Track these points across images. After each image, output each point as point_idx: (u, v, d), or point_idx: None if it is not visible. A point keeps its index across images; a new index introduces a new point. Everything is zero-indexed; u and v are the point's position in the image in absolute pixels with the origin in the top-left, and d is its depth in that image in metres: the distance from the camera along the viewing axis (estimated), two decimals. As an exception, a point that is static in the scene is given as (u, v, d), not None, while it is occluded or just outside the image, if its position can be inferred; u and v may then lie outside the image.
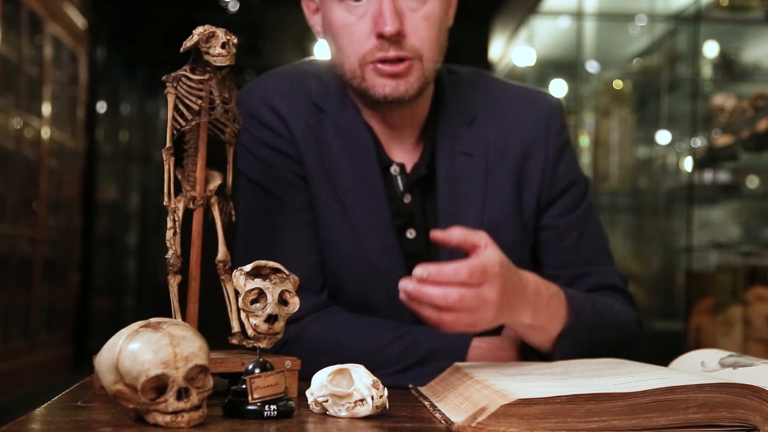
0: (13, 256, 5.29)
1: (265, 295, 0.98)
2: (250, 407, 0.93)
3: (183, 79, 1.15)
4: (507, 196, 1.43)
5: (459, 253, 1.39)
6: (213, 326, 1.18)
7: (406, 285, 1.13)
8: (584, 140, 5.17)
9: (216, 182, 1.18)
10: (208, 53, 1.10)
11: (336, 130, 1.42)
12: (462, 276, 1.11)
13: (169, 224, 1.13)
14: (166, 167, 1.14)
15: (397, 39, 1.32)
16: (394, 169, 1.43)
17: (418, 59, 1.34)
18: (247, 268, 0.99)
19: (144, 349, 0.85)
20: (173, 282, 1.14)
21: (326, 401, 0.96)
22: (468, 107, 1.47)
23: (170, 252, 1.13)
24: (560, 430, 0.88)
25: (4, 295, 5.11)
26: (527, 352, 1.32)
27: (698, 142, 4.37)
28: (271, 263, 1.00)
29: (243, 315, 0.98)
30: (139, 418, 0.89)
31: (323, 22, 1.41)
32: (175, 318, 1.12)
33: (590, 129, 5.18)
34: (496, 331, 1.34)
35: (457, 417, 0.95)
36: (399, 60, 1.33)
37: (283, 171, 1.40)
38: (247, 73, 7.04)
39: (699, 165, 4.28)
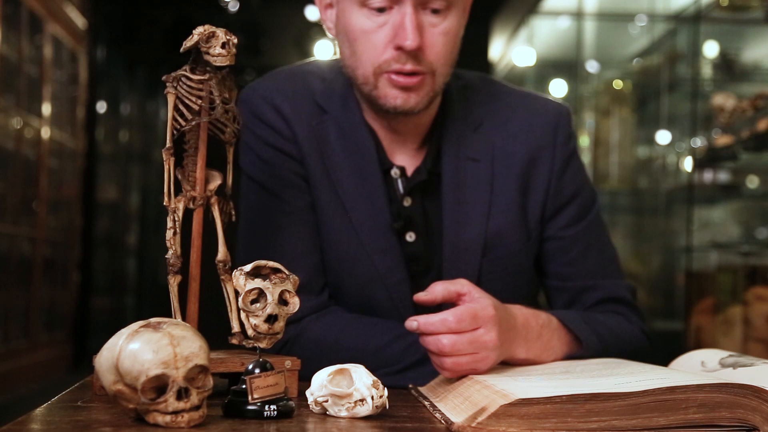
0: (13, 256, 5.28)
1: (265, 295, 0.98)
2: (250, 407, 0.93)
3: (183, 79, 1.15)
4: (512, 203, 1.43)
5: (462, 260, 1.39)
6: (213, 326, 1.18)
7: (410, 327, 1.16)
8: (584, 140, 5.16)
9: (216, 182, 1.18)
10: (208, 53, 1.10)
11: (338, 132, 1.42)
12: (450, 324, 1.13)
13: (169, 224, 1.13)
14: (166, 167, 1.14)
15: (416, 54, 1.31)
16: (394, 172, 1.43)
17: (431, 74, 1.34)
18: (247, 268, 0.99)
19: (144, 349, 0.85)
20: (173, 282, 1.14)
21: (326, 401, 0.96)
22: (474, 113, 1.46)
23: (170, 252, 1.13)
24: (560, 430, 0.88)
25: (4, 295, 5.11)
26: None
27: (698, 142, 4.37)
28: (271, 263, 1.01)
29: (243, 315, 0.98)
30: (139, 418, 0.89)
31: (338, 22, 1.40)
32: (175, 318, 1.12)
33: (590, 129, 5.17)
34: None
35: (457, 417, 0.95)
36: (413, 73, 1.33)
37: (285, 171, 1.40)
38: (247, 73, 7.04)
39: (699, 165, 4.27)
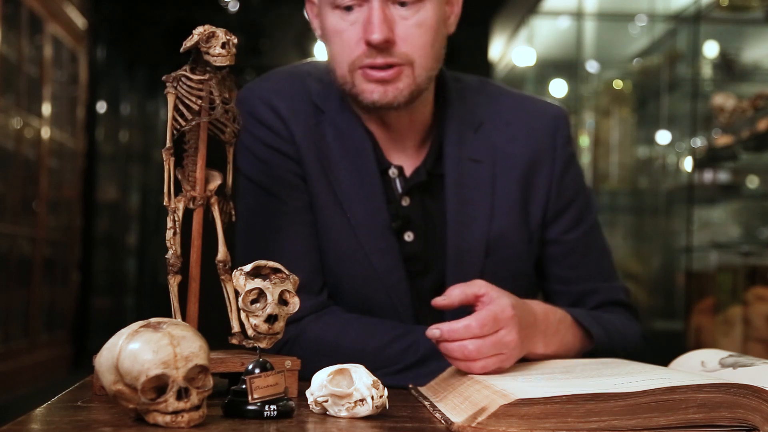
0: (13, 256, 5.28)
1: (265, 295, 0.98)
2: (250, 407, 0.93)
3: (183, 79, 1.15)
4: (513, 204, 1.43)
5: (466, 261, 1.39)
6: (213, 326, 1.18)
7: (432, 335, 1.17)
8: (584, 140, 5.16)
9: (216, 182, 1.18)
10: (208, 53, 1.10)
11: (335, 132, 1.42)
12: (474, 330, 1.15)
13: (169, 224, 1.13)
14: (166, 167, 1.14)
15: (385, 46, 1.31)
16: (392, 172, 1.43)
17: (409, 65, 1.33)
18: (247, 268, 0.99)
19: (144, 349, 0.85)
20: (173, 282, 1.14)
21: (326, 401, 0.96)
22: (474, 114, 1.46)
23: (170, 252, 1.13)
24: (560, 429, 0.88)
25: (4, 295, 5.11)
26: None
27: (698, 142, 4.37)
28: (271, 263, 1.01)
29: (243, 315, 0.98)
30: (139, 418, 0.89)
31: (321, 27, 1.41)
32: (175, 318, 1.12)
33: (590, 129, 5.17)
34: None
35: (457, 417, 0.95)
36: (388, 66, 1.32)
37: (283, 171, 1.40)
38: (247, 73, 7.04)
39: (699, 165, 4.27)
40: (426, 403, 1.09)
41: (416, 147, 1.45)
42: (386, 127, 1.43)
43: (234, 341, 1.14)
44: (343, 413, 0.95)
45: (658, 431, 0.89)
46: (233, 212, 1.21)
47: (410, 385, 1.25)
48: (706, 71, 4.51)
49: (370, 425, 0.93)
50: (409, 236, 1.42)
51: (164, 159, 1.14)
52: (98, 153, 7.16)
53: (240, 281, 0.98)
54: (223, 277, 1.17)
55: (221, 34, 1.10)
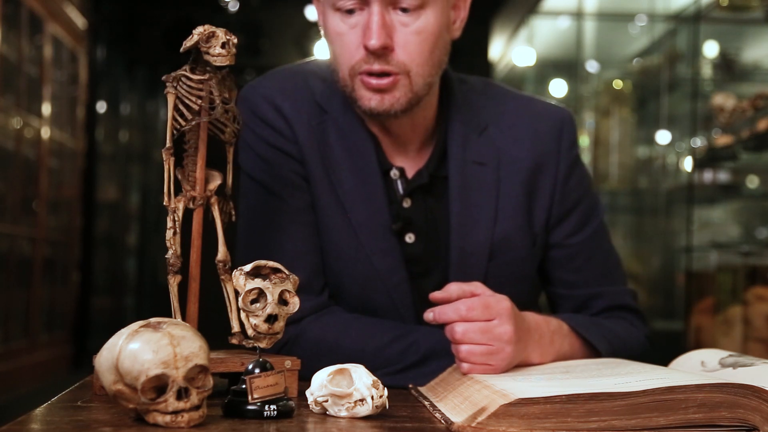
0: (13, 256, 5.28)
1: (265, 295, 0.98)
2: (250, 407, 0.93)
3: (183, 79, 1.15)
4: (518, 207, 1.43)
5: (469, 264, 1.40)
6: (213, 326, 1.18)
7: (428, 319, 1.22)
8: (584, 140, 5.16)
9: (216, 182, 1.18)
10: (208, 53, 1.10)
11: (338, 132, 1.41)
12: (461, 312, 1.17)
13: (169, 224, 1.13)
14: (166, 167, 1.14)
15: (382, 53, 1.30)
16: (393, 173, 1.42)
17: (405, 75, 1.32)
18: (247, 268, 0.99)
19: (144, 349, 0.85)
20: (173, 282, 1.14)
21: (326, 401, 0.97)
22: (479, 117, 1.46)
23: (170, 252, 1.13)
24: (560, 429, 0.88)
25: (4, 295, 5.11)
26: None
27: (698, 142, 4.37)
28: (271, 263, 1.01)
29: (243, 315, 0.98)
30: (139, 418, 0.89)
31: (323, 27, 1.41)
32: (175, 318, 1.12)
33: (590, 129, 5.17)
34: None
35: (457, 417, 0.95)
36: (385, 74, 1.32)
37: (285, 171, 1.40)
38: (247, 73, 7.04)
39: (699, 165, 4.27)
40: (426, 403, 1.09)
41: (419, 149, 1.44)
42: (386, 129, 1.43)
43: (234, 341, 1.14)
44: (343, 413, 0.95)
45: (658, 431, 0.89)
46: (233, 212, 1.21)
47: (410, 385, 1.25)
48: (706, 71, 4.51)
49: (370, 425, 0.93)
50: (410, 238, 1.41)
51: (164, 159, 1.14)
52: (98, 153, 7.16)
53: (240, 281, 0.98)
54: (223, 277, 1.17)
55: (221, 34, 1.10)
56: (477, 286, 1.23)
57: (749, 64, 4.54)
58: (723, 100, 4.01)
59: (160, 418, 0.86)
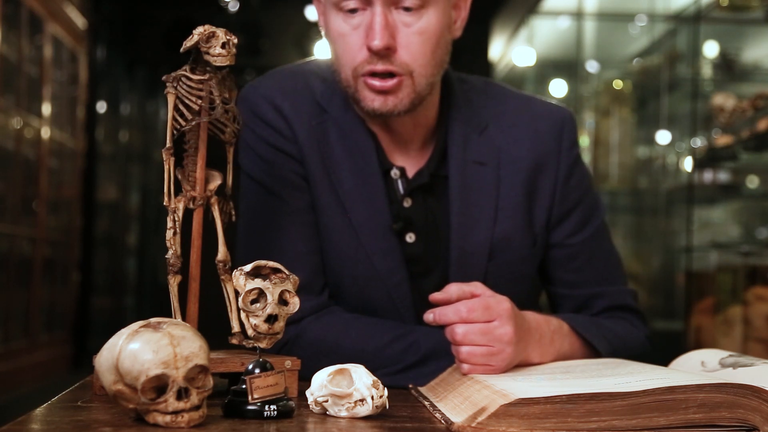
0: (13, 256, 5.28)
1: (265, 295, 0.98)
2: (250, 407, 0.93)
3: (183, 79, 1.15)
4: (518, 207, 1.43)
5: (469, 263, 1.40)
6: (213, 326, 1.18)
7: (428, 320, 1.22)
8: (584, 140, 5.16)
9: (216, 182, 1.18)
10: (208, 53, 1.10)
11: (338, 132, 1.41)
12: (462, 313, 1.17)
13: (169, 224, 1.13)
14: (166, 167, 1.14)
15: (386, 53, 1.30)
16: (394, 173, 1.42)
17: (408, 75, 1.33)
18: (247, 268, 0.99)
19: (144, 349, 0.85)
20: (173, 282, 1.14)
21: (326, 401, 0.96)
22: (479, 116, 1.46)
23: (170, 252, 1.13)
24: (560, 429, 0.88)
25: (4, 295, 5.11)
26: None
27: (698, 142, 4.37)
28: (271, 263, 1.00)
29: (243, 315, 0.98)
30: (139, 418, 0.89)
31: (325, 26, 1.41)
32: (175, 318, 1.12)
33: (590, 129, 5.17)
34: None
35: (457, 417, 0.95)
36: (389, 75, 1.32)
37: (285, 171, 1.40)
38: (247, 73, 7.04)
39: (699, 165, 4.27)
40: (426, 403, 1.09)
41: (419, 148, 1.44)
42: (389, 129, 1.43)
43: (234, 341, 1.14)
44: (343, 413, 0.95)
45: (658, 431, 0.89)
46: (233, 212, 1.21)
47: (410, 385, 1.25)
48: (706, 71, 4.51)
49: (370, 425, 0.93)
50: (410, 237, 1.41)
51: (164, 159, 1.14)
52: (98, 153, 7.16)
53: (240, 281, 0.98)
54: (223, 277, 1.17)
55: (221, 34, 1.10)
56: (477, 287, 1.23)
57: (749, 64, 4.54)
58: (723, 100, 4.01)
59: (160, 418, 0.86)
